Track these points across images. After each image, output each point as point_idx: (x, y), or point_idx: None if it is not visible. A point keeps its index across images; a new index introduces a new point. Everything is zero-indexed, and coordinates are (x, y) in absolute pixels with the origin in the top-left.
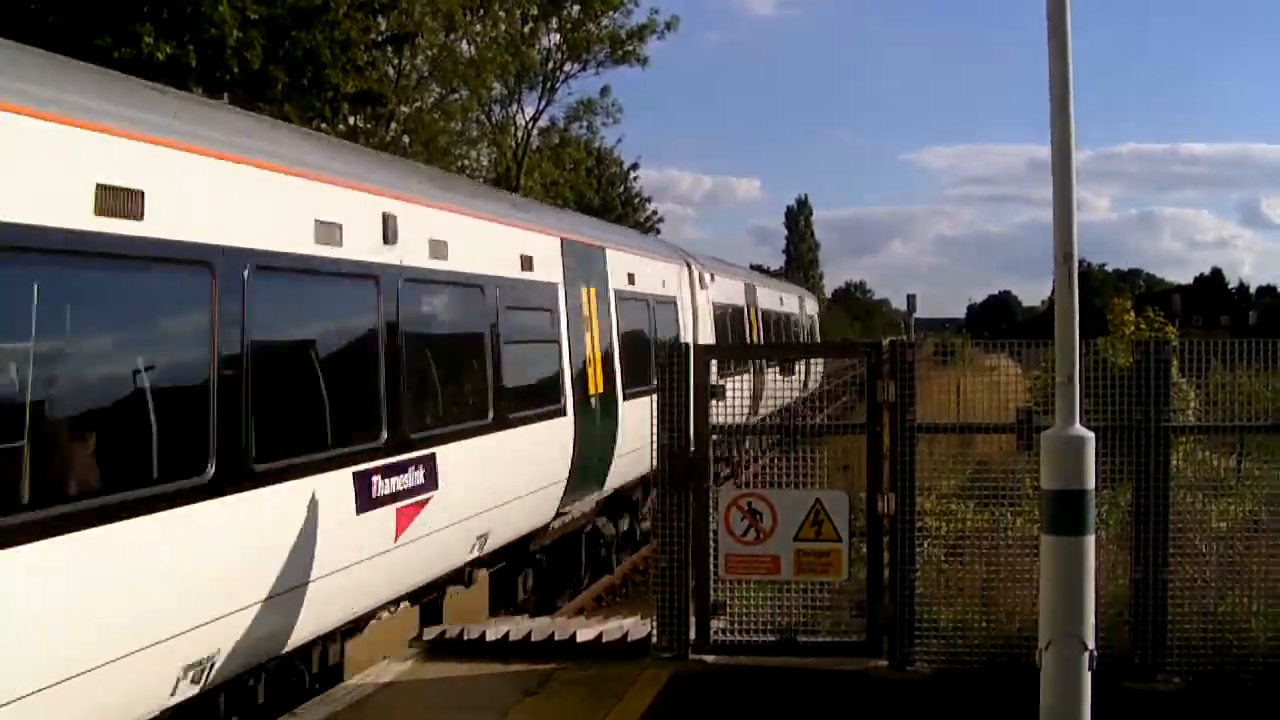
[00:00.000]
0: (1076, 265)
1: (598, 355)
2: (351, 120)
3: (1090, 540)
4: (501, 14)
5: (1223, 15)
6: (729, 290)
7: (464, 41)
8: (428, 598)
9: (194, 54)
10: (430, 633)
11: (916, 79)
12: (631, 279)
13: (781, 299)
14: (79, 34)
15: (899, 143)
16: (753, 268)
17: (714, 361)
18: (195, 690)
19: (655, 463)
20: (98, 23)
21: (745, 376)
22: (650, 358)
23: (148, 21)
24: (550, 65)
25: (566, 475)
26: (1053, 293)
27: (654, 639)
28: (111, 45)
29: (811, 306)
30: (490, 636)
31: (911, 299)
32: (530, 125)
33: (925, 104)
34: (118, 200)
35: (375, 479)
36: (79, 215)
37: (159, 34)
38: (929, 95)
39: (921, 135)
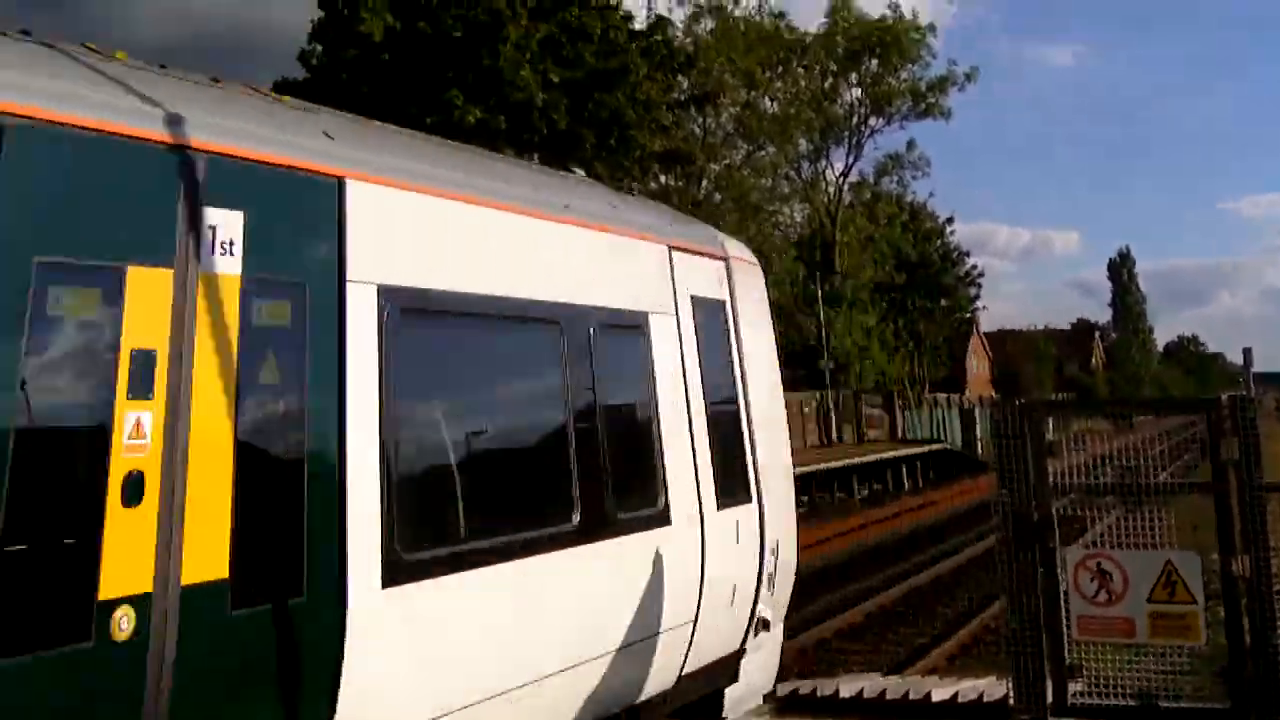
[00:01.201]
0: None
1: None
2: (662, 179)
3: None
4: (800, 70)
5: None
6: None
7: (766, 98)
8: None
9: (503, 118)
10: (782, 689)
11: (1222, 125)
12: None
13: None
14: (390, 102)
15: (1214, 192)
16: (1078, 321)
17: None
18: None
19: (997, 522)
20: (408, 91)
21: None
22: None
23: (455, 87)
24: (854, 119)
25: None
26: None
27: (1011, 700)
28: (420, 111)
29: (708, 280)
30: (844, 694)
31: (1247, 352)
32: (840, 180)
33: (1235, 151)
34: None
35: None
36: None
37: (467, 98)
38: (1238, 142)
39: (1239, 182)
